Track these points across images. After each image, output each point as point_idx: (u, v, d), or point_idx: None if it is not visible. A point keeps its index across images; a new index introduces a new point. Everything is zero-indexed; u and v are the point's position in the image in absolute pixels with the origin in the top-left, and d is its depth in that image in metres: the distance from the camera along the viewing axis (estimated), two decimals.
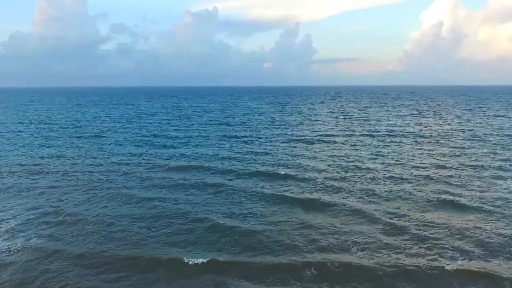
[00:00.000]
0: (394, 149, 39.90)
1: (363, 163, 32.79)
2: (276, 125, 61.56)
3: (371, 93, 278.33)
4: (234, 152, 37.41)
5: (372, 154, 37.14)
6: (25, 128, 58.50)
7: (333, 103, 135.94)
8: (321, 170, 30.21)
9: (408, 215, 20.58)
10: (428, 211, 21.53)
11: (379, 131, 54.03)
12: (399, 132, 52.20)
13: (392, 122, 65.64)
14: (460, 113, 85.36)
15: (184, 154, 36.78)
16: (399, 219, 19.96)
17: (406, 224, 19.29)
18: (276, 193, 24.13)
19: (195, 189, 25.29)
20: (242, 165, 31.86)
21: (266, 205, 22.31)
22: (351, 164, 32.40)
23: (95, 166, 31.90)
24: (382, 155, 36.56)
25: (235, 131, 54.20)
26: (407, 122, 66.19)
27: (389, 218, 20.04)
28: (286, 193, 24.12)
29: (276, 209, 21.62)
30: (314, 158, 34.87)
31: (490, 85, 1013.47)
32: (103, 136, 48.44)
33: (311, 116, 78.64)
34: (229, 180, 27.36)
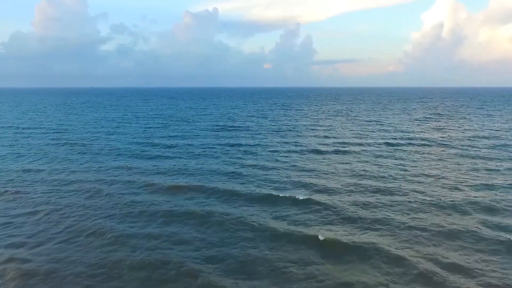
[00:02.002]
0: (419, 161, 34.57)
1: (390, 181, 27.46)
2: (281, 130, 56.16)
3: (373, 94, 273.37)
4: (237, 166, 31.86)
5: (396, 168, 31.80)
6: (4, 134, 53.06)
7: (337, 105, 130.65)
8: (340, 192, 24.82)
9: (470, 267, 15.15)
10: (495, 259, 16.06)
11: (395, 138, 48.77)
12: (418, 140, 46.82)
13: (406, 127, 60.32)
14: (474, 117, 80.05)
15: (177, 168, 31.20)
16: (462, 275, 14.56)
17: (475, 286, 13.92)
18: (288, 228, 18.72)
19: (184, 220, 19.87)
20: (247, 184, 26.31)
21: (277, 246, 16.96)
22: (376, 183, 27.01)
23: (64, 184, 26.36)
24: (407, 170, 31.21)
25: (237, 138, 48.81)
26: (423, 127, 60.78)
27: (447, 273, 14.64)
28: (301, 228, 18.78)
29: (291, 254, 16.25)
30: (330, 175, 29.48)
31: (490, 86, 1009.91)
32: (86, 145, 42.74)
33: (317, 120, 73.28)
34: (230, 207, 21.93)
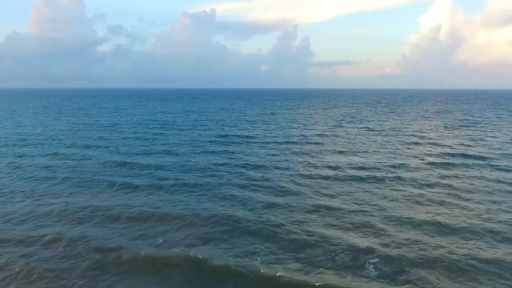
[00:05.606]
0: (488, 192, 25.61)
1: (474, 236, 18.32)
2: (293, 143, 46.42)
3: (375, 96, 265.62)
4: (246, 207, 21.83)
5: (466, 208, 22.66)
6: None
7: (344, 108, 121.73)
8: (397, 260, 15.51)
9: None
10: None
11: (433, 154, 39.84)
12: (465, 158, 37.58)
13: (436, 138, 51.19)
14: (505, 124, 71.12)
15: (157, 216, 20.70)
16: None
17: None
18: None
19: None
20: (265, 251, 16.61)
21: None
22: (440, 234, 17.83)
23: None
24: (485, 212, 22.09)
25: (241, 154, 38.63)
26: (457, 138, 51.46)
27: None
28: None
29: None
30: (388, 225, 20.04)
31: (488, 89, 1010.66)
32: (38, 166, 32.16)
33: (331, 128, 63.66)
34: None
